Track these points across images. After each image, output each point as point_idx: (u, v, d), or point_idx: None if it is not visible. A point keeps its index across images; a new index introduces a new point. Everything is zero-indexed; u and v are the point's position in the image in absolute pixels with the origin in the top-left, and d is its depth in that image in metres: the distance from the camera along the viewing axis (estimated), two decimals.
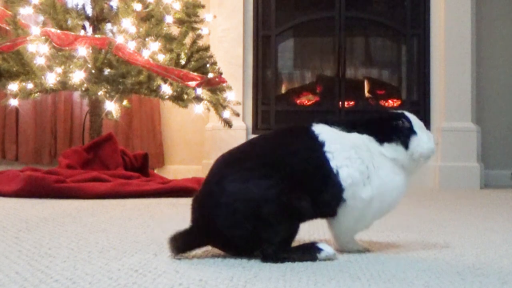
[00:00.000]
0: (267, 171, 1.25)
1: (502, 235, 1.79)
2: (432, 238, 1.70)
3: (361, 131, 1.36)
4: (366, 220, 1.36)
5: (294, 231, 1.28)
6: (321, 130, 1.33)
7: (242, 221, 1.23)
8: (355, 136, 1.35)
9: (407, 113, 1.40)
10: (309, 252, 1.28)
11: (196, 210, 1.30)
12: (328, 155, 1.30)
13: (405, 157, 1.36)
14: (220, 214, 1.24)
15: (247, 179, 1.24)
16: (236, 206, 1.22)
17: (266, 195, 1.22)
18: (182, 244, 1.30)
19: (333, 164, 1.29)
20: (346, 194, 1.30)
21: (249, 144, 1.37)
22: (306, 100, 4.60)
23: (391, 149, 1.35)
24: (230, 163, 1.29)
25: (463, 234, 1.78)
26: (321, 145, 1.31)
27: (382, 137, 1.35)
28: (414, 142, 1.36)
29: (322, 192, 1.29)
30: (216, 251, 1.38)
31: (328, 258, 1.28)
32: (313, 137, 1.32)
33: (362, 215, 1.34)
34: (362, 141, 1.34)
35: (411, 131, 1.36)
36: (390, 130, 1.36)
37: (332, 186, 1.29)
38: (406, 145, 1.35)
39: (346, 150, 1.31)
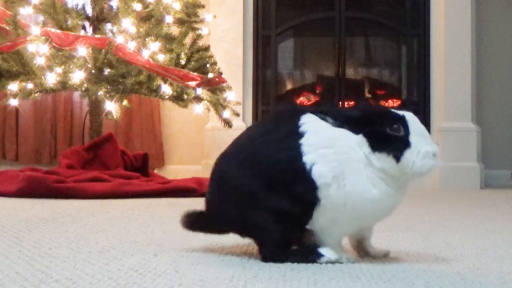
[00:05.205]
0: (249, 162, 1.24)
1: (502, 235, 1.79)
2: (432, 238, 1.70)
3: (356, 129, 1.23)
4: (342, 225, 1.25)
5: (282, 229, 1.23)
6: (307, 120, 1.24)
7: (231, 207, 1.27)
8: (342, 134, 1.23)
9: (408, 116, 1.23)
10: (309, 256, 1.25)
11: (205, 197, 1.36)
12: (304, 148, 1.21)
13: (396, 170, 1.20)
14: (214, 200, 1.32)
15: (236, 169, 1.26)
16: (225, 193, 1.28)
17: (246, 187, 1.23)
18: (193, 223, 1.37)
19: (307, 158, 1.20)
20: (320, 194, 1.20)
21: (246, 131, 1.35)
22: (306, 100, 4.60)
23: (381, 159, 1.20)
24: (227, 153, 1.32)
25: (463, 234, 1.78)
26: (300, 136, 1.22)
27: (374, 143, 1.21)
28: (407, 156, 1.20)
29: (294, 185, 1.21)
30: (216, 251, 1.38)
31: (330, 263, 1.24)
32: (296, 126, 1.23)
33: (336, 219, 1.23)
34: (347, 141, 1.22)
35: (405, 142, 1.20)
36: (384, 137, 1.21)
37: (304, 181, 1.20)
38: (397, 159, 1.20)
39: (324, 147, 1.21)
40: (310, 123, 1.23)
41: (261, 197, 1.22)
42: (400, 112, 1.24)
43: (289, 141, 1.22)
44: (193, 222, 1.37)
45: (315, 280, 1.10)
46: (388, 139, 1.21)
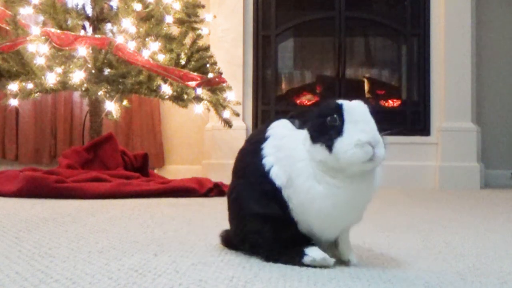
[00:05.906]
0: (240, 173, 1.32)
1: (502, 235, 1.79)
2: (432, 238, 1.70)
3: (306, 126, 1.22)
4: (320, 227, 1.22)
5: (272, 230, 1.25)
6: (275, 125, 1.28)
7: (231, 220, 1.37)
8: (295, 136, 1.23)
9: (347, 104, 1.17)
10: (295, 256, 1.23)
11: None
12: (264, 151, 1.25)
13: (331, 160, 1.15)
14: (229, 221, 1.38)
15: (234, 183, 1.35)
16: (231, 206, 1.35)
17: (237, 197, 1.30)
18: (226, 239, 1.44)
19: (266, 160, 1.24)
20: (284, 195, 1.21)
21: None
22: (306, 100, 4.60)
23: (317, 151, 1.16)
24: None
25: (463, 234, 1.78)
26: (264, 140, 1.26)
27: (313, 136, 1.18)
28: (337, 145, 1.14)
29: (262, 185, 1.24)
30: (216, 251, 1.38)
31: (316, 264, 1.21)
32: (264, 132, 1.28)
33: (312, 222, 1.21)
34: (296, 142, 1.22)
35: (338, 132, 1.14)
36: (321, 128, 1.17)
37: (268, 182, 1.22)
38: (329, 148, 1.14)
39: (279, 151, 1.23)
40: (275, 128, 1.27)
41: (251, 203, 1.27)
42: (340, 101, 1.18)
43: (255, 146, 1.28)
44: (228, 240, 1.43)
45: (315, 280, 1.10)
46: (324, 130, 1.16)
